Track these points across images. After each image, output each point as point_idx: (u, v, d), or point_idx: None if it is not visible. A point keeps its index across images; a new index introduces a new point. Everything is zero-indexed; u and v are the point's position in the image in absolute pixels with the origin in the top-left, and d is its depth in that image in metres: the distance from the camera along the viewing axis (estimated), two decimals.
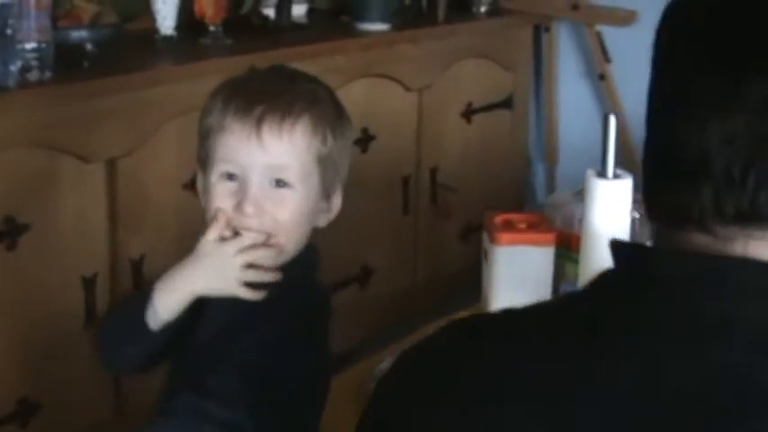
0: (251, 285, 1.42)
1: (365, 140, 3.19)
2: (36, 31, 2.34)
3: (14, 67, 2.32)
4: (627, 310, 0.86)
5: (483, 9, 3.71)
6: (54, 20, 2.49)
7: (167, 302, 1.43)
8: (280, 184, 1.42)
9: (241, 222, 1.41)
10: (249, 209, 1.40)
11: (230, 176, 1.42)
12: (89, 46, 2.49)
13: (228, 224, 1.42)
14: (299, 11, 3.26)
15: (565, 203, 2.08)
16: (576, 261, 1.90)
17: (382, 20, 3.28)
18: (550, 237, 1.92)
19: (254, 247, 1.41)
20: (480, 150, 3.68)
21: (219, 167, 1.42)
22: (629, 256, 0.90)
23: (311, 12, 3.36)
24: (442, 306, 2.21)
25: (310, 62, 2.93)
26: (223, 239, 1.42)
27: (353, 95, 3.11)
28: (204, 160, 1.46)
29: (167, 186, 2.65)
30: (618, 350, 0.84)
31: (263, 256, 1.42)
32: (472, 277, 2.00)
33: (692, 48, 0.86)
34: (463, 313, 1.97)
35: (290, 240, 1.45)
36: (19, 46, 2.33)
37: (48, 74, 2.37)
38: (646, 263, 0.88)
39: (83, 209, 2.48)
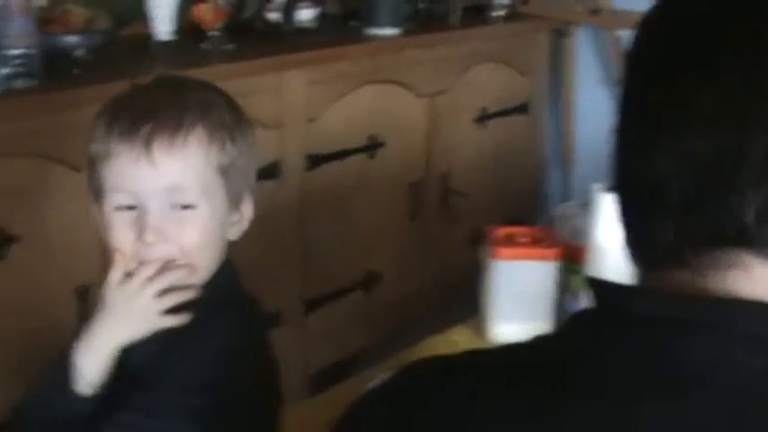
0: (173, 311, 1.33)
1: (372, 147, 3.11)
2: (20, 36, 2.25)
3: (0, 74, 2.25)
4: (600, 357, 0.76)
5: (499, 14, 3.61)
6: (44, 25, 2.42)
7: (93, 365, 1.33)
8: (181, 206, 1.31)
9: (145, 254, 1.31)
10: (150, 238, 1.29)
11: (127, 207, 1.31)
12: (80, 52, 2.41)
13: (134, 257, 1.32)
14: (307, 15, 3.17)
15: (572, 216, 2.05)
16: (581, 274, 1.85)
17: (392, 24, 3.19)
18: (552, 252, 1.86)
19: (161, 272, 1.31)
20: (494, 156, 3.60)
21: (112, 199, 1.32)
22: (607, 296, 0.80)
23: (322, 16, 3.28)
24: (449, 312, 2.14)
25: (316, 67, 2.87)
26: (129, 275, 1.32)
27: (361, 102, 3.05)
28: (96, 191, 1.35)
29: None
30: (588, 404, 0.74)
31: (174, 279, 1.32)
32: None
33: (642, 67, 0.79)
34: (460, 330, 1.91)
35: (203, 261, 1.34)
36: (5, 52, 2.25)
37: (35, 81, 2.29)
38: (623, 303, 0.78)
39: (74, 218, 2.40)
